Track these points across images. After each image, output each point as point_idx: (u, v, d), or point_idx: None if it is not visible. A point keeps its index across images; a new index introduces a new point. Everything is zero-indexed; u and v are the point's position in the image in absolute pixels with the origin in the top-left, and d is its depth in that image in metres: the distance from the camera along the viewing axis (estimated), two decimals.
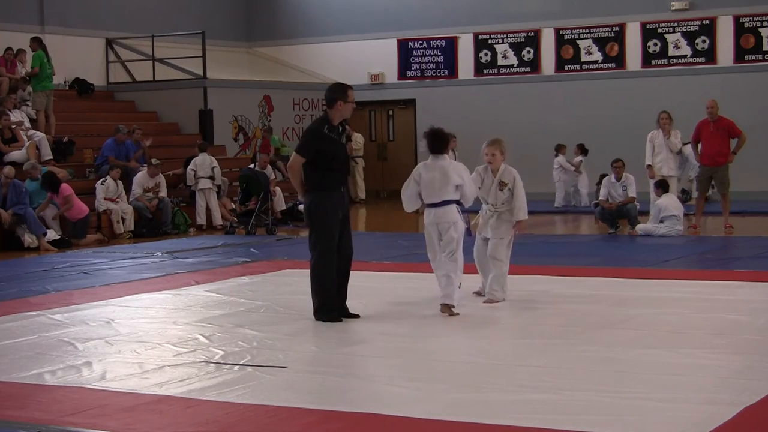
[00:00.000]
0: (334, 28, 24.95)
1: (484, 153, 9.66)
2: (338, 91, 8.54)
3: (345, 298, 8.65)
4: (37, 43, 18.58)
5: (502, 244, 9.32)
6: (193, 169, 18.23)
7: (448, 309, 8.53)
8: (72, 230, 15.87)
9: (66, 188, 15.97)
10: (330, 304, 8.47)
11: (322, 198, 8.46)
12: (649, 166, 15.49)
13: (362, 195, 23.72)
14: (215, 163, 18.48)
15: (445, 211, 8.66)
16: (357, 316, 8.58)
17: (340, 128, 8.65)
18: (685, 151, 16.96)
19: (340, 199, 8.54)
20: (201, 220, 18.17)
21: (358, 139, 23.77)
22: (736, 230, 15.14)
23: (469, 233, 8.93)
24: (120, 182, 17.27)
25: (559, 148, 20.97)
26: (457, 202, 8.76)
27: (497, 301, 9.16)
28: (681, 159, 16.97)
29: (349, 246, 8.65)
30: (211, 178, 18.29)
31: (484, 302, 9.21)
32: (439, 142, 9.00)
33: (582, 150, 20.88)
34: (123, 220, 16.93)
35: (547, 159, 22.64)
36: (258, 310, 9.21)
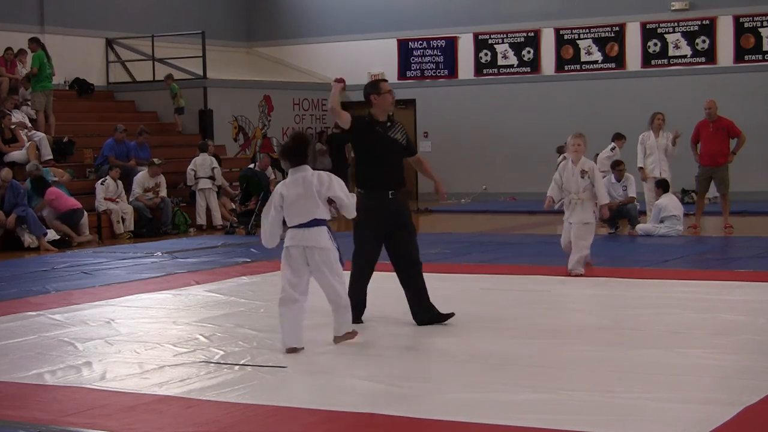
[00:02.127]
0: (334, 28, 24.95)
1: (571, 144, 10.97)
2: (370, 87, 8.32)
3: (424, 302, 8.23)
4: (36, 44, 18.57)
5: (587, 228, 10.76)
6: (193, 169, 18.24)
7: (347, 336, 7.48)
8: (63, 220, 15.77)
9: (51, 192, 15.88)
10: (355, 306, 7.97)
11: (364, 198, 8.05)
12: (641, 168, 15.50)
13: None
14: (215, 164, 18.47)
15: (315, 234, 7.23)
16: (452, 315, 8.21)
17: (388, 122, 8.24)
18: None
19: (387, 201, 8.11)
20: (201, 220, 18.18)
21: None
22: (736, 230, 15.14)
23: (342, 263, 7.45)
24: (120, 182, 17.28)
25: (561, 149, 20.91)
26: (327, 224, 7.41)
27: (581, 275, 10.53)
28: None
29: (410, 253, 8.21)
30: (211, 178, 18.30)
31: (568, 275, 10.58)
32: (300, 151, 7.37)
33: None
34: (123, 220, 16.93)
35: (546, 159, 22.67)
36: (258, 310, 9.21)
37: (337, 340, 7.46)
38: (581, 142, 10.92)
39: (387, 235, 8.20)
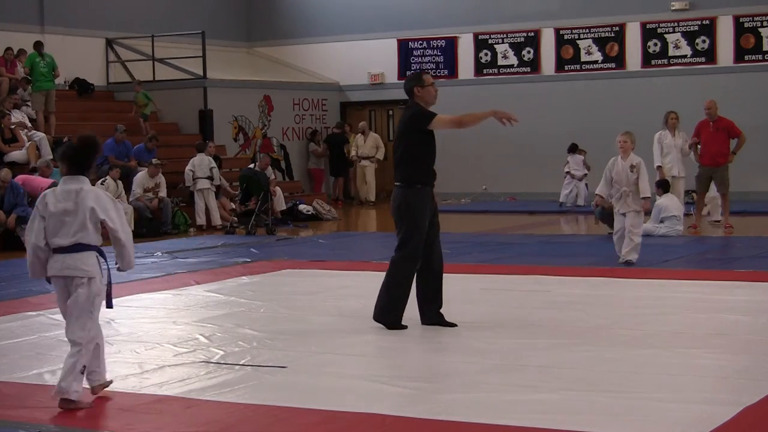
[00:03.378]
0: (334, 28, 24.95)
1: (619, 141, 11.86)
2: (413, 79, 8.16)
3: (440, 306, 8.14)
4: (35, 46, 18.67)
5: (639, 216, 11.65)
6: (191, 170, 18.23)
7: (65, 404, 5.93)
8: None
9: (19, 178, 15.83)
10: (398, 315, 7.98)
11: (418, 192, 7.95)
12: (659, 167, 15.49)
13: (363, 197, 23.70)
14: (213, 164, 18.47)
15: (78, 259, 6.07)
16: (455, 325, 8.02)
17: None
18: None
19: (431, 197, 8.07)
20: (201, 220, 18.17)
21: (359, 141, 23.78)
22: (736, 230, 15.13)
23: (110, 304, 6.36)
24: (120, 182, 17.28)
25: (575, 149, 20.85)
26: (99, 250, 6.22)
27: (634, 262, 11.47)
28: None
29: (439, 248, 8.17)
30: (210, 178, 18.29)
31: (619, 262, 11.54)
32: (84, 158, 6.24)
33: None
34: None
35: (546, 159, 22.67)
36: (258, 310, 9.21)
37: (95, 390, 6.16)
38: (627, 139, 11.86)
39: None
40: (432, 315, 8.09)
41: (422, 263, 8.02)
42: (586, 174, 20.66)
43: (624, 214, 11.68)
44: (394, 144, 8.23)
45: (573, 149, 20.86)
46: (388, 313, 8.00)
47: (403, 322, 8.01)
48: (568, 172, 20.79)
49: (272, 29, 25.73)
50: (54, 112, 18.99)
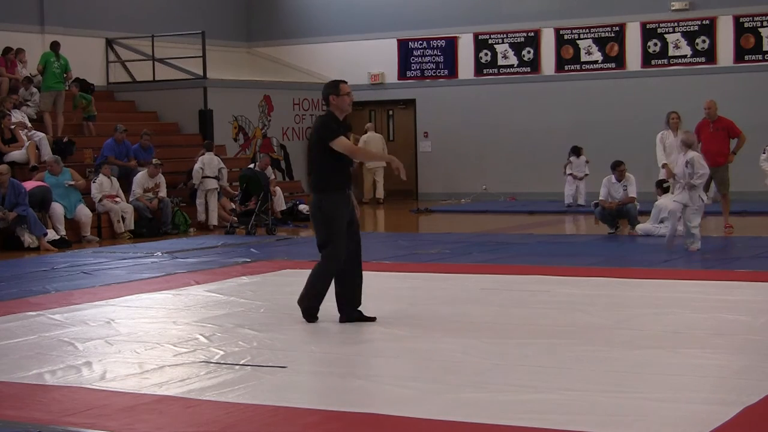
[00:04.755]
0: (334, 28, 24.96)
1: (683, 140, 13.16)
2: (329, 87, 8.38)
3: (359, 303, 8.43)
4: (51, 46, 18.82)
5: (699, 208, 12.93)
6: (201, 167, 18.22)
7: None
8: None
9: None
10: (317, 308, 8.42)
11: (333, 197, 8.24)
12: (665, 164, 15.49)
13: (366, 197, 23.76)
14: (222, 164, 18.50)
15: None
16: (373, 319, 8.37)
17: (344, 128, 8.47)
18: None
19: (348, 200, 8.34)
20: (203, 218, 18.17)
21: (377, 140, 23.80)
22: (736, 230, 15.13)
23: None
24: (114, 179, 17.24)
25: (579, 151, 20.71)
26: None
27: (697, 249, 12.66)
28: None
29: (359, 248, 8.45)
30: (217, 178, 18.30)
31: (688, 249, 12.74)
32: None
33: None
34: (123, 219, 16.94)
35: (546, 158, 22.68)
36: (258, 310, 9.21)
37: None
38: (687, 138, 13.25)
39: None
40: (351, 312, 8.38)
41: (348, 258, 8.34)
42: (587, 174, 20.64)
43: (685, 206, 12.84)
44: (308, 151, 8.47)
45: (577, 152, 20.72)
46: (304, 300, 8.44)
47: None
48: (570, 174, 20.71)
49: (272, 29, 25.74)
50: (62, 113, 19.05)
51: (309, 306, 8.41)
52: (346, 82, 8.49)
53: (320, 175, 8.30)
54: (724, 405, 5.64)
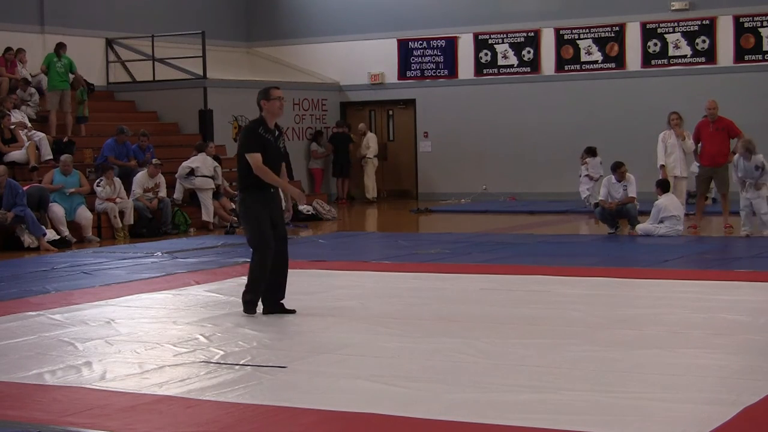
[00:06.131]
0: (334, 28, 24.95)
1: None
2: (260, 93, 8.81)
3: (283, 296, 8.88)
4: (56, 48, 18.95)
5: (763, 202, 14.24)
6: (189, 166, 18.24)
7: None
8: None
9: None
10: (257, 302, 8.83)
11: (254, 196, 8.72)
12: (663, 166, 15.50)
13: (371, 195, 23.79)
14: (217, 163, 18.51)
15: None
16: (293, 312, 8.81)
17: (276, 131, 8.88)
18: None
19: (271, 198, 8.79)
20: (207, 216, 18.17)
21: (371, 140, 23.84)
22: (736, 230, 15.13)
23: None
24: (117, 180, 17.20)
25: (595, 152, 20.34)
26: None
27: None
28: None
29: (284, 245, 8.91)
30: (212, 177, 18.30)
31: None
32: None
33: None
34: (122, 214, 16.92)
35: (546, 159, 22.68)
36: (258, 309, 9.19)
37: None
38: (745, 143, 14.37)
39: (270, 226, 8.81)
40: (273, 305, 8.82)
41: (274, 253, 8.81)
42: (601, 175, 20.51)
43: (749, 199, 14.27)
44: (237, 153, 9.00)
45: (592, 152, 20.30)
46: (245, 294, 8.86)
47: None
48: (586, 174, 20.37)
49: (272, 29, 25.73)
50: (69, 113, 19.07)
51: (250, 300, 8.82)
52: (278, 88, 8.95)
53: (244, 173, 8.76)
54: (724, 405, 5.64)
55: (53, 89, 18.81)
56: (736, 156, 14.55)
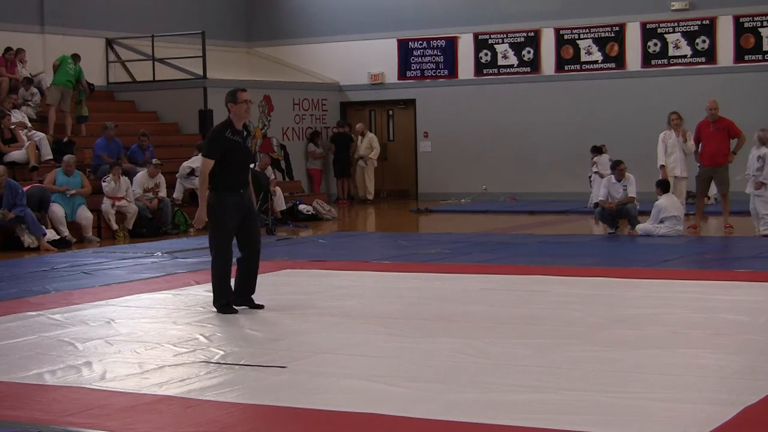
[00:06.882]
0: (334, 28, 24.96)
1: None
2: (228, 95, 9.00)
3: (252, 291, 9.06)
4: (73, 57, 19.19)
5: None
6: (190, 166, 18.22)
7: None
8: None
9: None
10: (227, 301, 8.97)
11: (221, 198, 8.80)
12: (663, 166, 15.50)
13: (362, 194, 23.83)
14: None
15: None
16: (261, 307, 9.00)
17: (245, 132, 9.03)
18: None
19: (239, 199, 8.85)
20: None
21: (372, 141, 23.82)
22: (736, 230, 15.14)
23: None
24: (125, 179, 17.19)
25: (601, 150, 20.19)
26: None
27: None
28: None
29: (256, 243, 8.99)
30: None
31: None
32: None
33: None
34: (124, 217, 16.92)
35: (546, 159, 22.68)
36: (258, 309, 9.20)
37: None
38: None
39: (239, 226, 8.91)
40: (242, 299, 9.02)
41: (244, 250, 9.02)
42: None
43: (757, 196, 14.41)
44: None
45: (599, 150, 20.18)
46: (216, 301, 9.01)
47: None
48: (596, 172, 20.26)
49: (272, 29, 25.73)
50: (69, 112, 19.07)
51: (221, 304, 8.95)
52: (245, 90, 9.14)
53: (215, 176, 8.87)
54: (724, 405, 5.64)
55: (57, 84, 18.82)
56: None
